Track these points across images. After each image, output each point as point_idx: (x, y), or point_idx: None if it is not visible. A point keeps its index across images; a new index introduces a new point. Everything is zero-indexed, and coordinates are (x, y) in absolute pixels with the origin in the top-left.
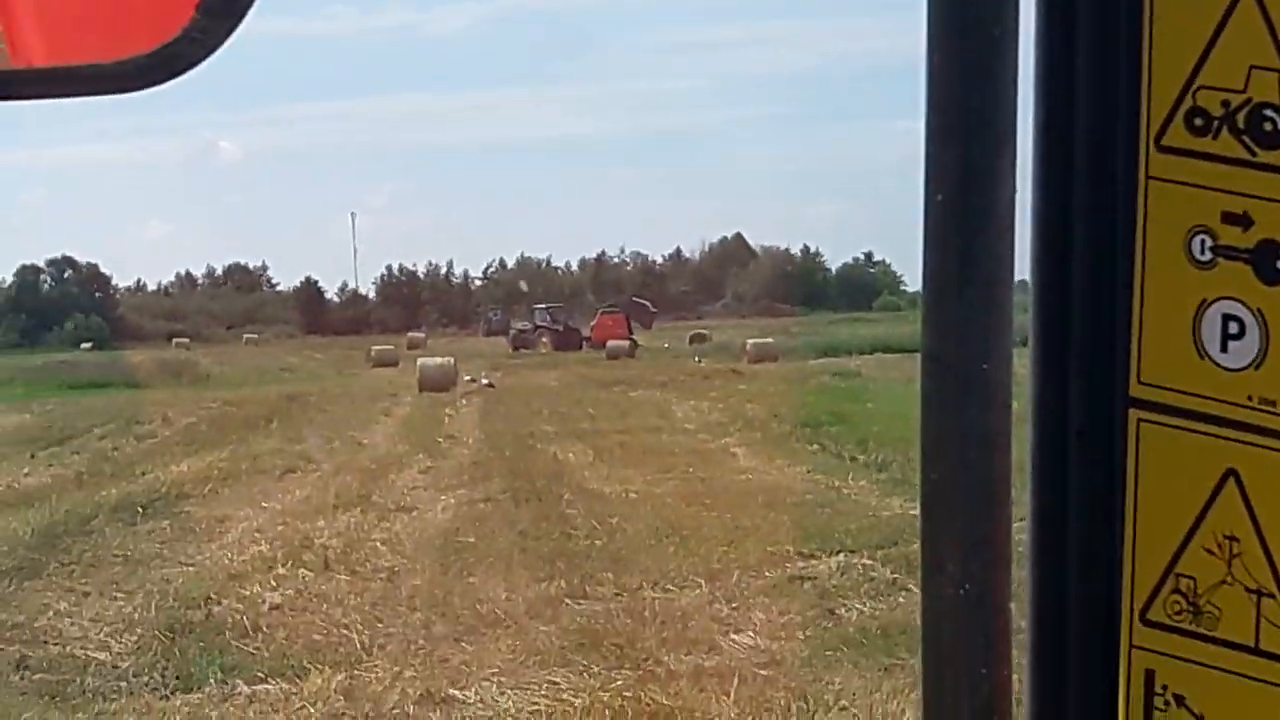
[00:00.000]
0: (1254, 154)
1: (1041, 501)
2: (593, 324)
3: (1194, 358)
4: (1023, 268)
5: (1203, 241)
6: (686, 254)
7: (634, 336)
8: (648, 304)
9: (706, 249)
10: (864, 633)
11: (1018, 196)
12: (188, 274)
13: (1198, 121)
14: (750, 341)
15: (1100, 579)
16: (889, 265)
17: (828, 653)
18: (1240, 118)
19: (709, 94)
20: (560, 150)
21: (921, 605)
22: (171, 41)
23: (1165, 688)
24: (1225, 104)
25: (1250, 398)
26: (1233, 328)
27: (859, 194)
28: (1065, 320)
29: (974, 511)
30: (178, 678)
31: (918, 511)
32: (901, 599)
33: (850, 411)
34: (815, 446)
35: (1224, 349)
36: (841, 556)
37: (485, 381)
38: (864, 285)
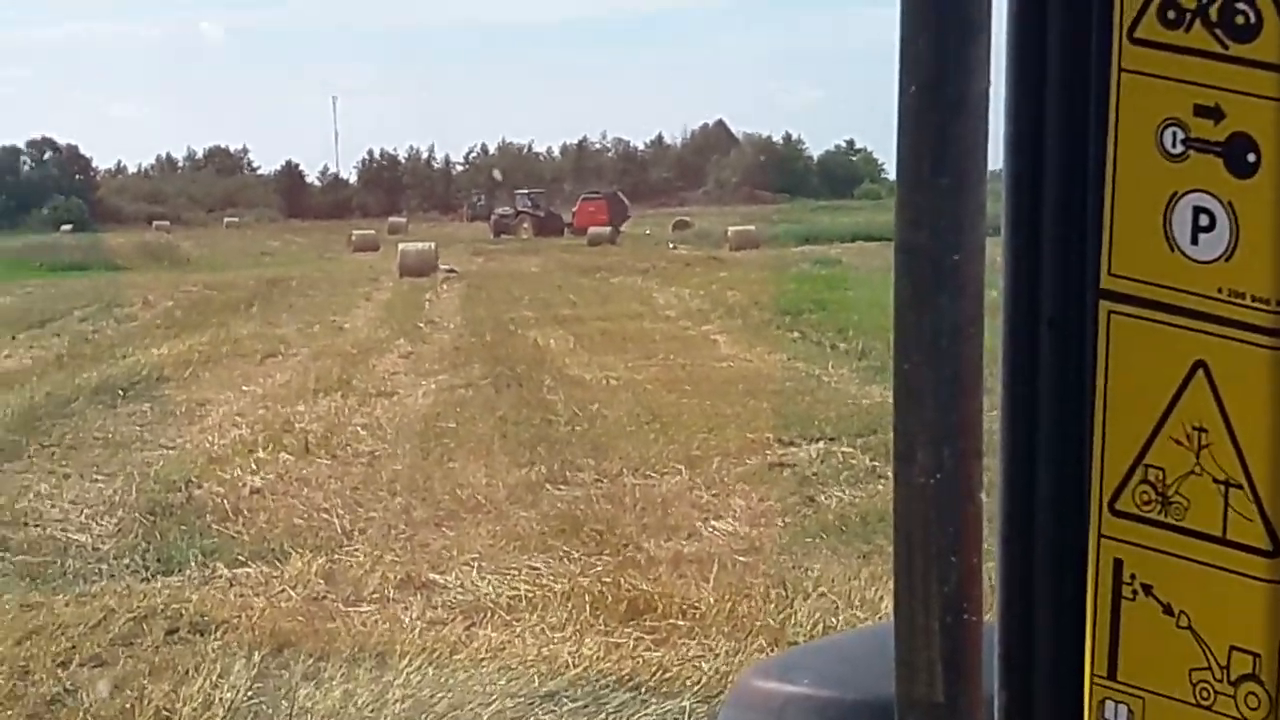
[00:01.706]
0: (1226, 46)
1: (1012, 392)
2: (574, 210)
3: (1164, 250)
4: (996, 159)
5: (1174, 134)
6: (668, 140)
7: (618, 223)
8: (623, 198)
9: (688, 135)
10: (843, 520)
11: (991, 88)
12: (168, 157)
13: (1170, 14)
14: (731, 229)
15: (1069, 469)
16: (870, 153)
17: (807, 540)
18: (1213, 10)
19: None
20: (543, 34)
21: (893, 494)
22: None
23: (1134, 577)
24: None
25: (1220, 290)
26: (1203, 220)
27: (841, 81)
28: (1037, 211)
29: (945, 401)
30: (158, 560)
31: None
32: (880, 486)
33: (831, 299)
34: (795, 334)
35: (1194, 241)
36: (821, 444)
37: (446, 268)
38: (845, 173)
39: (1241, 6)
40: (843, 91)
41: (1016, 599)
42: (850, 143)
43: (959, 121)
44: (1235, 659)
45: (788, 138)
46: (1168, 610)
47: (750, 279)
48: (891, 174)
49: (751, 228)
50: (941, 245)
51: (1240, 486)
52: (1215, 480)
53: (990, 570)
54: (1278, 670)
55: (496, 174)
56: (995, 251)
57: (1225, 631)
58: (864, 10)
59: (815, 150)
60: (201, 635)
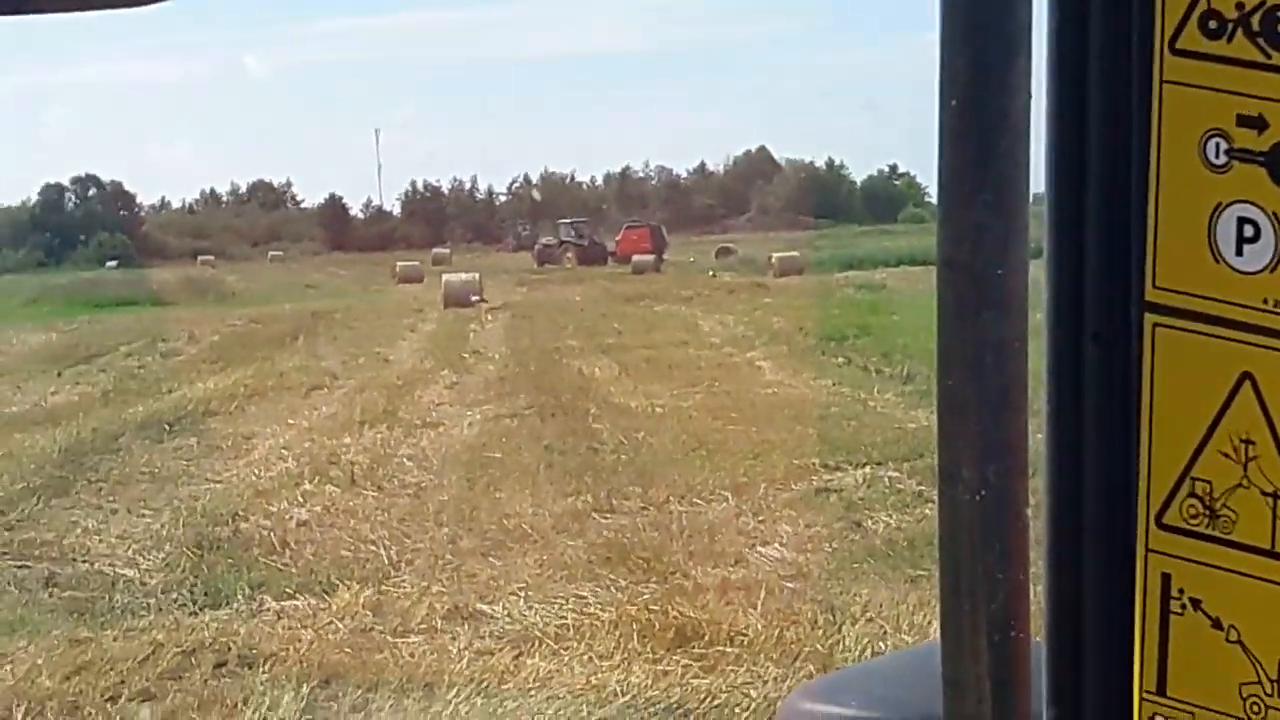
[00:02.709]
0: (1269, 56)
1: (1057, 407)
2: (618, 239)
3: (1209, 261)
4: (1038, 173)
5: (1217, 145)
6: (711, 168)
7: (661, 251)
8: (661, 228)
9: (731, 162)
10: (890, 544)
11: (1032, 102)
12: (212, 191)
13: (1212, 24)
14: (775, 255)
15: (1116, 483)
16: (914, 178)
17: (854, 565)
18: (1255, 20)
19: (737, 6)
20: (587, 64)
21: (938, 512)
22: None
23: (1182, 591)
24: (1240, 6)
25: (1266, 300)
26: (1248, 231)
27: (884, 106)
28: (1080, 225)
29: (990, 418)
30: (206, 594)
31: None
32: (927, 510)
33: (875, 324)
34: (841, 359)
35: (1239, 252)
36: (867, 469)
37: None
38: (889, 198)
39: None
40: (887, 116)
41: (1064, 616)
42: (894, 167)
43: (1000, 137)
44: None
45: (830, 163)
46: (1217, 624)
47: (794, 305)
48: (935, 198)
49: (795, 253)
50: (984, 261)
51: None
52: (1263, 492)
53: (1038, 588)
54: None
55: (536, 193)
56: (1039, 267)
57: (1275, 644)
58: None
59: (858, 175)
60: (250, 668)
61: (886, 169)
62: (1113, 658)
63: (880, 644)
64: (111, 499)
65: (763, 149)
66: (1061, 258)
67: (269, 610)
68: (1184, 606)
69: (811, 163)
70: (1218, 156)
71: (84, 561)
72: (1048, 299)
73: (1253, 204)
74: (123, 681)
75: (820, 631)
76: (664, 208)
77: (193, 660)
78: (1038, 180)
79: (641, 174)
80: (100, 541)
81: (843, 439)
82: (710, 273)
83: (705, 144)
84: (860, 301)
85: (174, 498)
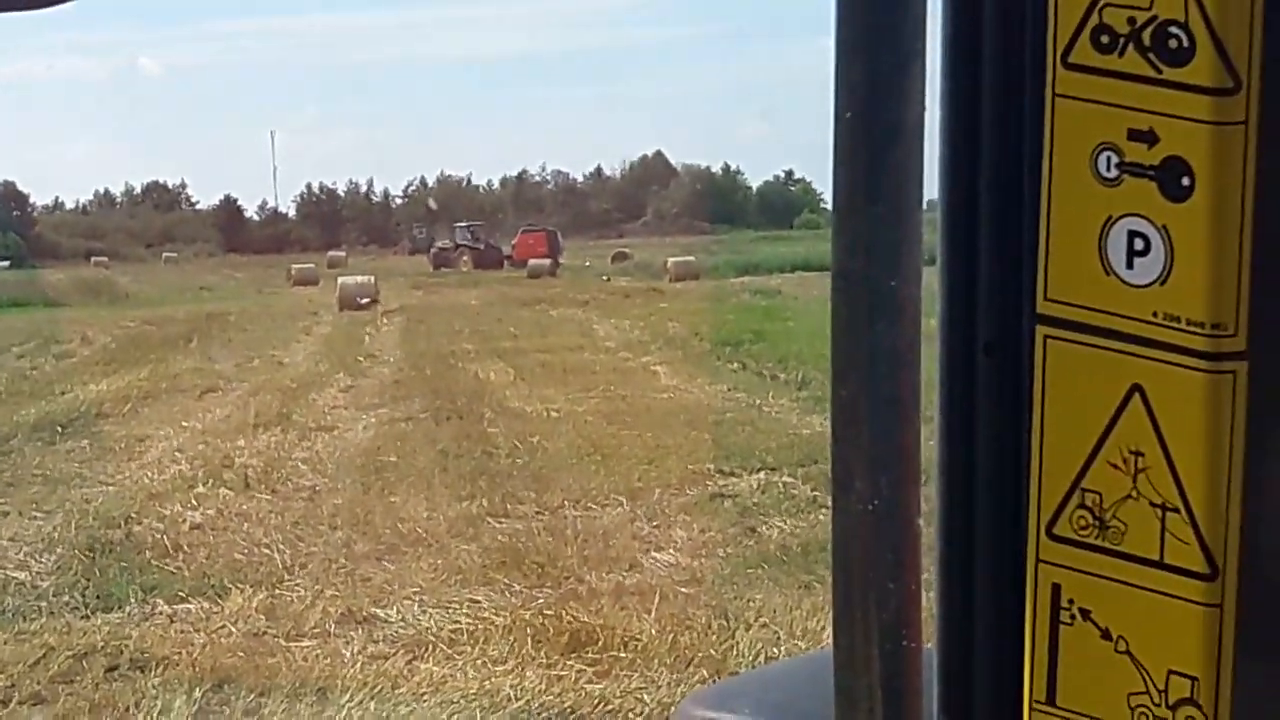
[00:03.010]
0: (1159, 71)
1: (949, 417)
2: (514, 243)
3: (1100, 274)
4: (931, 184)
5: (1109, 158)
6: (607, 172)
7: (556, 255)
8: (557, 232)
9: (627, 167)
10: (784, 550)
11: (926, 114)
12: (106, 192)
13: (1104, 39)
14: (671, 260)
15: (1007, 494)
16: (810, 183)
17: (748, 570)
18: (1146, 35)
19: (633, 10)
20: (483, 68)
21: (831, 521)
22: None
23: (1071, 601)
24: (1131, 20)
25: (1155, 314)
26: (1138, 244)
27: (780, 112)
28: (973, 237)
29: (883, 428)
30: (98, 597)
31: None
32: (822, 516)
33: (771, 330)
34: (736, 365)
35: (1129, 265)
36: (762, 474)
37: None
38: (784, 203)
39: (1175, 31)
40: (783, 121)
41: (955, 625)
42: (789, 173)
43: (894, 148)
44: (1173, 683)
45: (726, 168)
46: (1106, 635)
47: (690, 310)
48: (831, 204)
49: (691, 258)
50: (878, 271)
51: (1177, 510)
52: (1152, 504)
53: (929, 596)
54: (1215, 694)
55: (431, 203)
56: (932, 277)
57: (1163, 655)
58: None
59: (754, 180)
60: (142, 672)
61: (782, 174)
62: (1003, 667)
63: (774, 649)
64: (2, 501)
65: (659, 154)
66: (954, 269)
67: (161, 614)
68: (1073, 617)
69: (708, 168)
70: (1109, 170)
71: None
72: (940, 310)
73: (1143, 217)
74: (13, 685)
75: (714, 637)
76: (560, 212)
77: (84, 664)
78: (931, 191)
79: (538, 178)
80: None
81: (737, 444)
82: (605, 277)
83: (601, 149)
84: (755, 307)
85: (66, 500)
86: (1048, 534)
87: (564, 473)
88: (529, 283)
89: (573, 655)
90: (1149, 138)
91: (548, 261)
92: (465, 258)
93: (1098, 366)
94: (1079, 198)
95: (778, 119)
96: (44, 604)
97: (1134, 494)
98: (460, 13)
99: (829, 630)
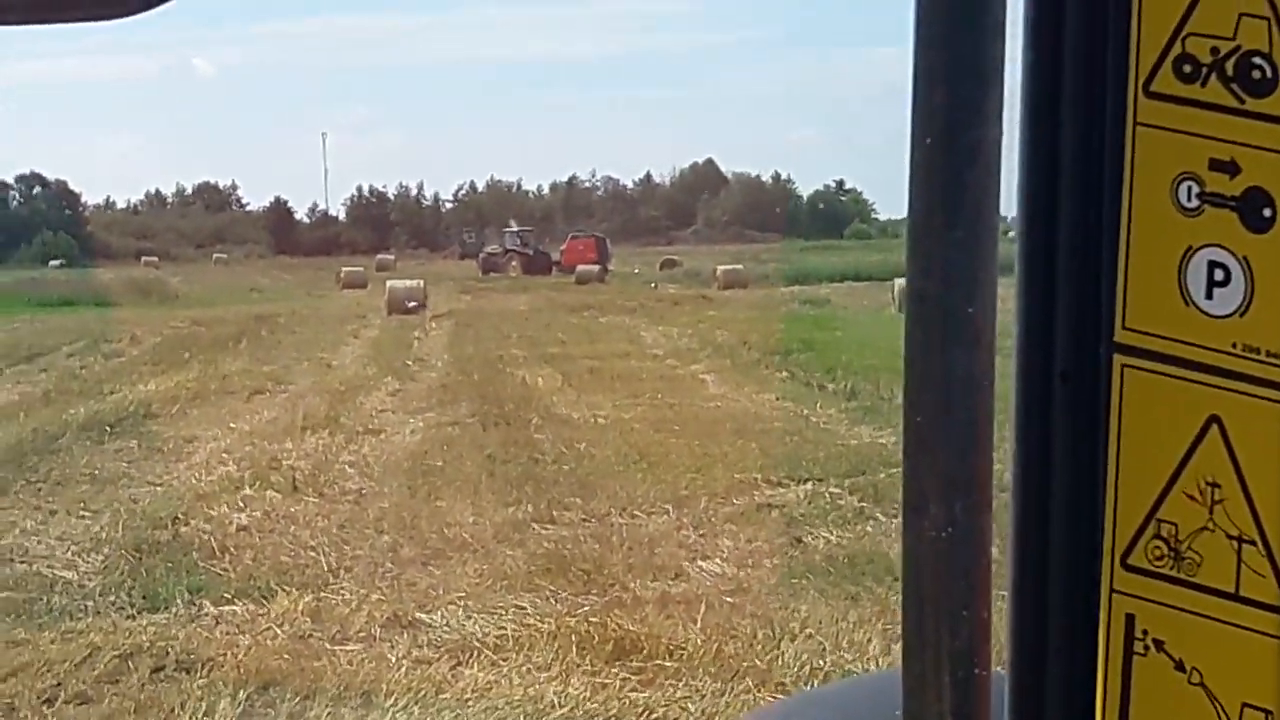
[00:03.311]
0: (1242, 101)
1: (1024, 445)
2: (563, 248)
3: (1179, 304)
4: (1009, 211)
5: (1189, 188)
6: (657, 179)
7: (605, 262)
8: (605, 239)
9: (677, 174)
10: (831, 561)
11: (1005, 139)
12: (157, 192)
13: (1186, 68)
14: (720, 268)
15: (1082, 523)
16: (860, 193)
17: (794, 580)
18: (1229, 65)
19: (689, 16)
20: (534, 72)
21: (903, 547)
22: None
23: (1145, 632)
24: (1214, 50)
25: (1234, 345)
26: (1218, 275)
27: (832, 121)
28: (1051, 263)
29: (956, 453)
30: (144, 597)
31: (900, 447)
32: (869, 528)
33: (819, 339)
34: (784, 374)
35: (1209, 296)
36: (809, 484)
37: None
38: (835, 213)
39: (1258, 61)
40: (835, 130)
41: (1027, 654)
42: (840, 183)
43: (972, 171)
44: (1248, 716)
45: (777, 177)
46: (1180, 667)
47: (738, 318)
48: (882, 214)
49: (740, 267)
50: (954, 295)
51: (1253, 542)
52: (1228, 536)
53: (1000, 625)
54: None
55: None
56: (1009, 303)
57: (1237, 688)
58: (860, 50)
59: (805, 190)
60: (187, 673)
61: (833, 184)
62: (1075, 698)
63: (819, 660)
64: (51, 500)
65: (710, 161)
66: (1032, 295)
67: (207, 615)
68: (1147, 648)
69: (758, 176)
70: (1189, 200)
71: (22, 562)
72: (1017, 336)
73: (1223, 248)
74: (59, 684)
75: (759, 647)
76: (610, 218)
77: (130, 664)
78: (1009, 213)
79: (588, 183)
80: (39, 543)
81: (785, 454)
82: (654, 284)
83: (653, 154)
84: (804, 316)
85: (114, 500)
86: (1122, 564)
87: (610, 480)
88: (577, 289)
89: (617, 663)
90: (1231, 168)
91: (596, 268)
92: (514, 263)
93: (1175, 397)
94: (1159, 227)
95: (829, 127)
96: (90, 603)
97: (1210, 525)
98: (513, 14)
99: (875, 642)
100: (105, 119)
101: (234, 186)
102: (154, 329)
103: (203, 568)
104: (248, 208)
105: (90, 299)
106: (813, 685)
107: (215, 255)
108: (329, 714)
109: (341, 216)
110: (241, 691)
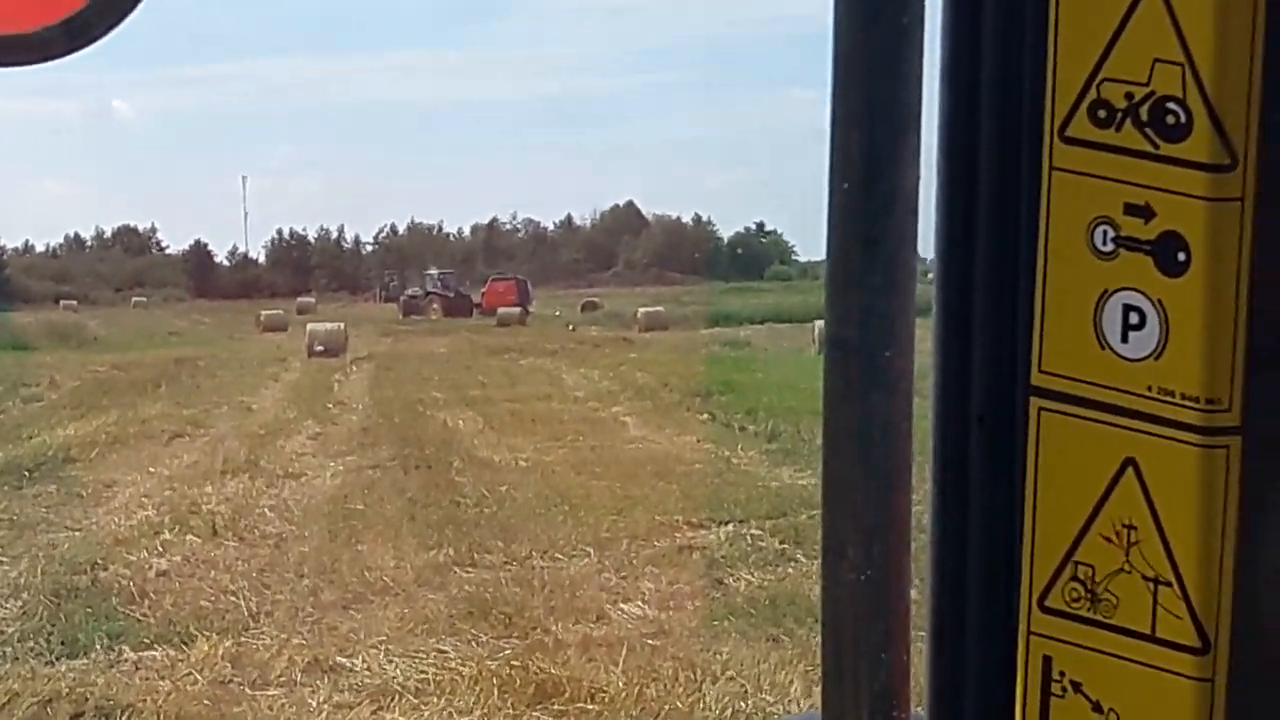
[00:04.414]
0: (1156, 146)
1: (942, 488)
2: (483, 291)
3: (1095, 347)
4: (928, 252)
5: (1105, 232)
6: (578, 221)
7: (526, 304)
8: (526, 281)
9: (598, 216)
10: (752, 603)
11: (922, 185)
12: (76, 236)
13: (1101, 113)
14: (641, 310)
15: (1000, 565)
16: (780, 235)
17: (716, 623)
18: (1143, 110)
19: (609, 60)
20: (454, 115)
21: (822, 590)
22: (81, 9)
23: (1063, 674)
24: (1129, 96)
25: (1150, 388)
26: (1133, 318)
27: (752, 163)
28: (968, 308)
29: (875, 498)
30: (63, 643)
31: (819, 493)
32: (790, 569)
33: (740, 381)
34: (705, 416)
35: (1124, 339)
36: (730, 526)
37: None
38: (755, 255)
39: (1172, 106)
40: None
41: (946, 695)
42: (760, 225)
43: (889, 218)
44: None
45: (698, 219)
46: (1097, 708)
47: (660, 360)
48: (802, 255)
49: (660, 309)
50: (872, 340)
51: (1169, 584)
52: (1144, 577)
53: (920, 666)
54: None
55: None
56: (925, 349)
57: None
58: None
59: (726, 231)
60: (107, 719)
61: (754, 226)
62: None
63: (741, 703)
64: None
65: (630, 204)
66: (949, 339)
67: (127, 660)
68: (1065, 689)
69: (679, 218)
70: (1105, 244)
71: None
72: (934, 380)
73: (1139, 291)
74: None
75: (681, 689)
76: (531, 260)
77: (49, 710)
78: (928, 254)
79: (509, 226)
80: None
81: (706, 496)
82: (574, 327)
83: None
84: (725, 358)
85: (32, 545)
86: (1039, 606)
87: (532, 522)
88: (498, 331)
89: (539, 706)
90: (1145, 212)
91: (517, 310)
92: (435, 305)
93: (1091, 439)
94: (1075, 271)
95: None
96: (9, 650)
97: (1126, 567)
98: (434, 58)
99: (796, 684)
100: (23, 162)
101: (153, 230)
102: (73, 373)
103: (122, 613)
104: (167, 251)
105: (8, 342)
106: None
107: (134, 299)
108: None
109: (262, 259)
110: None
